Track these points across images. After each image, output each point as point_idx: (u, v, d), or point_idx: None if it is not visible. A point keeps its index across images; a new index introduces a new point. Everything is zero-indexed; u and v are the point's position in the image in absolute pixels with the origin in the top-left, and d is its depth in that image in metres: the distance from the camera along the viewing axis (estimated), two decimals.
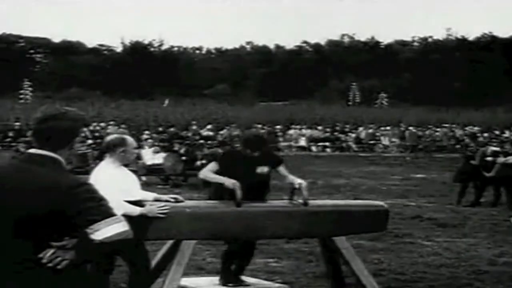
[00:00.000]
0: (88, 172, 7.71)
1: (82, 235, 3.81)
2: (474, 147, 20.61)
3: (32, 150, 3.99)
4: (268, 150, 8.74)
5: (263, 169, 8.17)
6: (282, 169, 8.27)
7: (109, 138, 7.70)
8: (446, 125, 49.30)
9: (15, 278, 3.85)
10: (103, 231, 3.79)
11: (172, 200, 7.55)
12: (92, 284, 4.05)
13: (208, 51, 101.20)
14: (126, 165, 7.58)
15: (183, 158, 24.31)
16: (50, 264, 3.80)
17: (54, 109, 4.02)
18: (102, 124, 41.52)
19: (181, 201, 7.59)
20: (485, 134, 42.93)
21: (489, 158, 19.13)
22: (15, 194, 3.85)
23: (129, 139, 7.69)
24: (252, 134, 8.74)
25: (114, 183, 6.93)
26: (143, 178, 24.33)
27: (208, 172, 8.10)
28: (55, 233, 3.83)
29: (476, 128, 47.84)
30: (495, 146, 20.71)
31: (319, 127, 47.82)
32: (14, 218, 3.83)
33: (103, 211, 3.85)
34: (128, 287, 7.76)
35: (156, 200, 7.51)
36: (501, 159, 18.92)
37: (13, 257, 3.85)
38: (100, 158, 7.77)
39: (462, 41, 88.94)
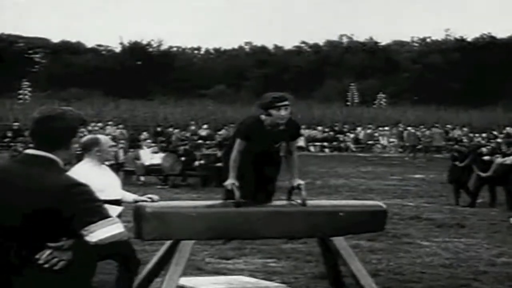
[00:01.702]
0: None
1: (78, 236, 3.81)
2: (465, 149, 20.72)
3: (29, 151, 3.99)
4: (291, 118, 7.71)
5: (281, 143, 7.59)
6: (294, 144, 7.75)
7: (83, 139, 7.78)
8: (449, 126, 49.25)
9: (12, 278, 3.85)
10: (98, 233, 3.80)
11: (149, 200, 7.60)
12: (81, 284, 4.02)
13: (207, 52, 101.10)
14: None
15: (182, 158, 24.32)
16: (46, 265, 3.81)
17: (51, 110, 4.02)
18: (99, 124, 41.57)
19: (156, 201, 7.63)
20: (483, 134, 42.99)
21: (486, 158, 19.19)
22: (11, 194, 3.85)
23: (103, 138, 7.75)
24: (275, 94, 7.73)
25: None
26: (142, 178, 24.35)
27: (236, 154, 7.32)
28: (52, 233, 3.83)
29: (465, 129, 47.96)
30: (488, 146, 20.87)
31: (318, 127, 47.84)
32: (11, 218, 3.83)
33: (98, 213, 3.85)
34: (116, 285, 7.79)
35: (136, 201, 7.59)
36: (499, 159, 18.97)
37: (10, 257, 3.85)
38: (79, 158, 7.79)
39: (461, 42, 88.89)
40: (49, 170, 3.88)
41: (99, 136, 7.96)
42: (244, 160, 7.39)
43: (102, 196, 7.06)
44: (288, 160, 7.72)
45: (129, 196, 7.88)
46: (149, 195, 7.77)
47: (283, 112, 7.42)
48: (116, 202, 7.45)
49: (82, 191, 3.87)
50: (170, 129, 41.00)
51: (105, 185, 7.37)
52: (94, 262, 7.32)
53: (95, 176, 7.31)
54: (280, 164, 7.76)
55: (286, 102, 7.44)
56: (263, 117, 7.47)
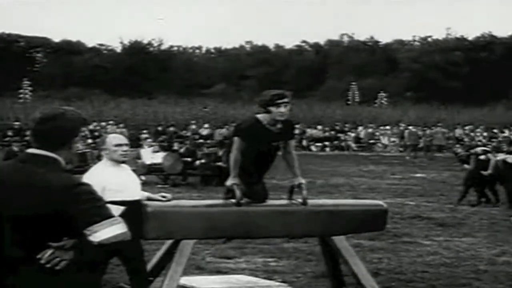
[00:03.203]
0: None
1: (80, 236, 3.81)
2: (463, 152, 20.67)
3: (31, 150, 3.99)
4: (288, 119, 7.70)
5: (279, 143, 7.60)
6: (292, 143, 7.77)
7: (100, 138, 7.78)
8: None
9: (13, 278, 3.84)
10: (101, 233, 3.79)
11: (164, 199, 7.57)
12: (85, 285, 4.02)
13: (208, 51, 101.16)
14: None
15: (183, 158, 24.32)
16: (48, 265, 3.80)
17: (53, 109, 4.02)
18: (102, 124, 41.60)
19: (170, 200, 7.61)
20: (485, 133, 42.97)
21: (482, 157, 19.15)
22: (13, 194, 3.85)
23: (109, 136, 7.62)
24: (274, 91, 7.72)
25: (97, 181, 6.89)
26: (143, 177, 24.36)
27: (236, 153, 7.34)
28: (54, 233, 3.82)
29: (466, 128, 47.92)
30: (482, 145, 20.85)
31: (319, 126, 47.83)
32: (13, 218, 3.83)
33: (101, 213, 3.85)
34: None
35: (149, 199, 7.54)
36: (502, 157, 18.93)
37: (11, 257, 3.84)
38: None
39: (462, 41, 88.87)
40: (51, 170, 3.88)
41: (109, 135, 7.86)
42: (243, 161, 7.39)
43: (120, 196, 7.05)
44: (288, 159, 7.73)
45: (143, 195, 7.74)
46: (163, 194, 7.72)
47: (282, 109, 7.43)
48: (136, 203, 7.30)
49: (85, 191, 3.87)
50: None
51: (122, 185, 7.27)
52: (104, 262, 7.30)
53: (110, 176, 7.24)
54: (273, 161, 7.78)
55: (285, 99, 7.47)
56: (260, 117, 7.48)
